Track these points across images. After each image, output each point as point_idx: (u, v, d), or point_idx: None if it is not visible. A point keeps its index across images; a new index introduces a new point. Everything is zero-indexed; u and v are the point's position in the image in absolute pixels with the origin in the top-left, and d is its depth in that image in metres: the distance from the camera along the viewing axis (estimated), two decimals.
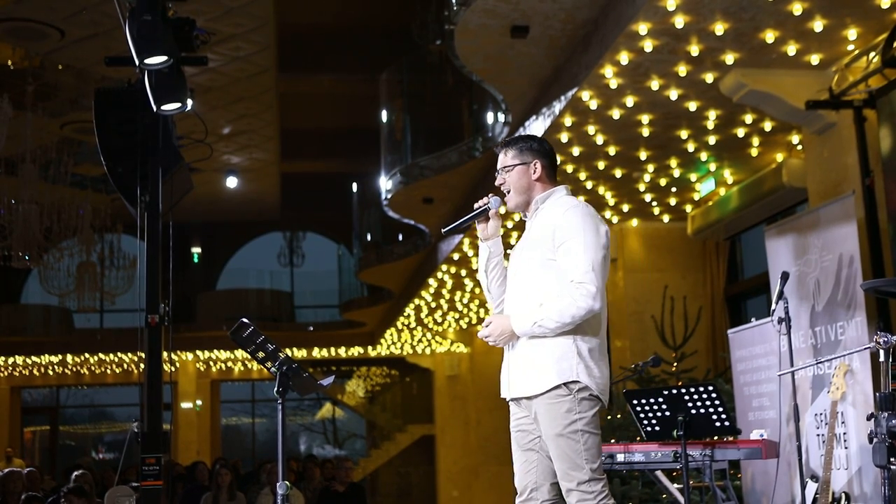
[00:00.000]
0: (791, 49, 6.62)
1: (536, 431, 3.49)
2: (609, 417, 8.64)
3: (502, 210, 3.71)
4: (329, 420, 25.52)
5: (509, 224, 10.36)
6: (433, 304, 15.89)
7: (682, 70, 6.93)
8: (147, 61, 4.82)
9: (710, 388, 4.84)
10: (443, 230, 3.76)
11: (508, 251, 3.70)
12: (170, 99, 5.11)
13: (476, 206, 3.64)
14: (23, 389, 22.73)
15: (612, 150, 8.59)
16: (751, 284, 10.71)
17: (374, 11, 15.26)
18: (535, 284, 3.44)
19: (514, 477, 3.58)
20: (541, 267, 3.45)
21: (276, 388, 3.79)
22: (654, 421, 5.02)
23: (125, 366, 21.57)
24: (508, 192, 3.61)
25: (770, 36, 6.41)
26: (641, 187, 9.69)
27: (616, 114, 7.72)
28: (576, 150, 8.57)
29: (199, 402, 21.84)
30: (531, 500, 3.51)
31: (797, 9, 6.03)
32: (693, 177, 9.50)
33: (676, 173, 9.31)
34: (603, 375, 3.44)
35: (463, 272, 13.63)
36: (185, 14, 5.29)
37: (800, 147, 8.39)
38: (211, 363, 22.08)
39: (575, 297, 3.32)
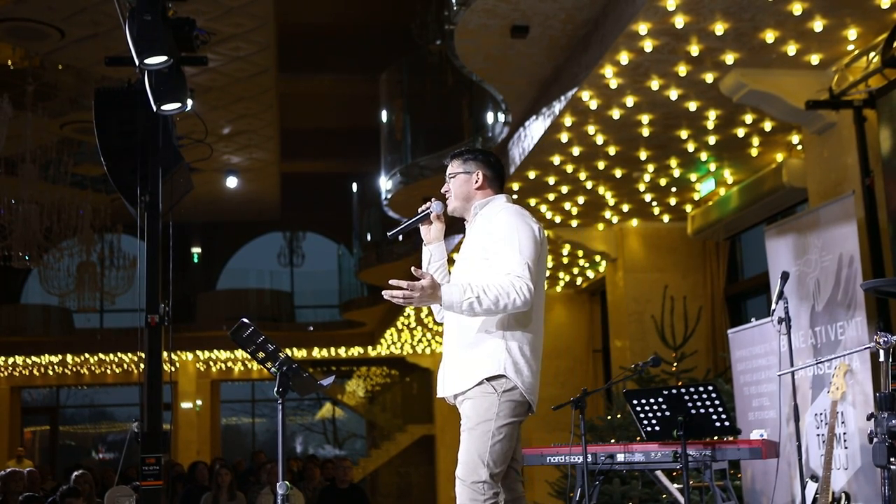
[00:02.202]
0: (791, 49, 6.62)
1: None
2: (609, 417, 8.64)
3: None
4: (329, 420, 25.53)
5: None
6: None
7: (682, 70, 6.93)
8: (147, 61, 4.82)
9: (710, 388, 4.84)
10: (388, 234, 3.84)
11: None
12: (170, 99, 5.11)
13: (420, 210, 3.78)
14: (23, 389, 22.73)
15: (612, 150, 8.58)
16: (751, 284, 10.71)
17: (374, 11, 15.27)
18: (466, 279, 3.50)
19: None
20: (477, 268, 3.52)
21: (276, 388, 3.79)
22: (654, 421, 5.02)
23: (125, 366, 21.58)
24: (449, 198, 3.76)
25: (770, 36, 6.41)
26: (641, 187, 9.69)
27: (616, 114, 7.72)
28: (576, 150, 8.57)
29: (199, 402, 21.84)
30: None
31: (797, 9, 6.03)
32: (693, 177, 9.50)
33: (676, 173, 9.31)
34: (532, 374, 3.47)
35: None
36: (185, 14, 5.30)
37: (800, 147, 8.39)
38: (211, 363, 22.08)
39: (516, 288, 3.35)
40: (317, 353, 21.60)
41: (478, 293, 3.33)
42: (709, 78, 7.08)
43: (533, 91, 8.49)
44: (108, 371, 21.85)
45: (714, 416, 4.86)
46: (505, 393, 3.41)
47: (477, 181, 3.72)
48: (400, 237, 3.84)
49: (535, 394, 3.50)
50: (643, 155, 8.76)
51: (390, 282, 3.39)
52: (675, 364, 8.84)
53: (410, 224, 3.76)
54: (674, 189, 9.86)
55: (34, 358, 20.56)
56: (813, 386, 5.82)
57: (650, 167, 9.10)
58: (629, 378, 6.17)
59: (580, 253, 11.89)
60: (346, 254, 21.59)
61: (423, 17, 12.93)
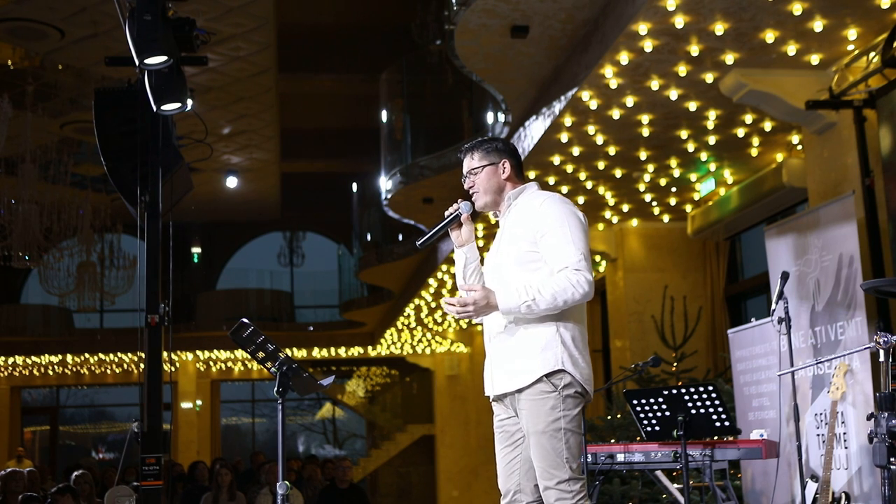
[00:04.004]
0: (791, 49, 6.63)
1: (520, 431, 3.46)
2: (609, 417, 8.64)
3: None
4: (329, 420, 25.53)
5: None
6: (433, 304, 15.90)
7: (682, 70, 6.93)
8: (147, 61, 4.82)
9: (710, 388, 4.84)
10: (418, 244, 3.67)
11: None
12: (170, 99, 5.11)
13: (447, 213, 3.62)
14: (23, 389, 22.73)
15: (612, 150, 8.59)
16: (751, 284, 10.72)
17: (374, 11, 15.28)
18: (516, 280, 3.39)
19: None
20: (519, 263, 3.42)
21: (276, 388, 3.79)
22: (654, 421, 5.02)
23: (125, 366, 21.58)
24: (476, 194, 3.60)
25: (770, 36, 6.41)
26: (641, 187, 9.69)
27: (616, 114, 7.72)
28: (576, 150, 8.57)
29: (199, 402, 21.84)
30: (515, 502, 3.49)
31: (797, 9, 6.03)
32: (693, 177, 9.51)
33: (676, 173, 9.31)
34: (587, 365, 3.42)
35: None
36: (185, 14, 5.28)
37: (800, 147, 8.39)
38: (211, 363, 22.08)
39: (573, 282, 3.27)
40: (317, 353, 21.60)
41: (533, 295, 3.25)
42: (709, 78, 7.08)
43: (533, 91, 8.49)
44: (108, 371, 21.84)
45: (714, 416, 4.86)
46: (564, 388, 3.34)
47: (505, 171, 3.58)
48: (424, 242, 3.66)
49: (592, 383, 3.44)
50: (643, 155, 8.76)
51: (442, 301, 3.33)
52: (675, 364, 8.84)
53: (440, 230, 3.59)
54: (674, 189, 9.86)
55: (34, 358, 20.55)
56: (813, 386, 5.82)
57: (650, 167, 9.10)
58: (629, 378, 6.17)
59: None
60: (346, 254, 21.59)
61: (423, 17, 12.94)
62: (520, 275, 3.38)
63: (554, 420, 3.31)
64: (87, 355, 20.65)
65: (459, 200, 3.62)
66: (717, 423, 4.87)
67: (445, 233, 3.63)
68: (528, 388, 3.35)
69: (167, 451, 5.83)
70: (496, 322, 3.48)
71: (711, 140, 8.42)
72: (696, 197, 10.10)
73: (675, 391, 4.91)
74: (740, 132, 8.23)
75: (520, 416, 3.42)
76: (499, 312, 3.38)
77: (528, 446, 3.42)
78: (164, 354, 5.36)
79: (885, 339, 3.13)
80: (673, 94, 7.34)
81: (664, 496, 7.13)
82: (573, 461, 3.32)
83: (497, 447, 3.55)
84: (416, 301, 15.71)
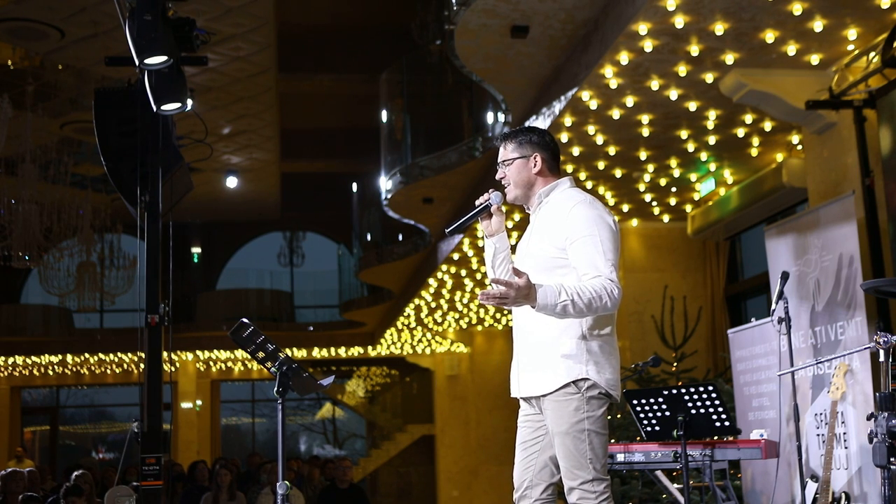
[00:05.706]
0: (791, 49, 6.63)
1: (543, 429, 3.48)
2: (609, 417, 8.64)
3: (503, 207, 3.68)
4: (329, 420, 25.53)
5: (509, 224, 10.37)
6: (433, 304, 15.89)
7: (682, 70, 6.93)
8: (147, 61, 4.82)
9: (710, 388, 4.85)
10: (446, 230, 3.66)
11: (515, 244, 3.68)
12: (170, 99, 5.11)
13: (477, 203, 3.59)
14: (23, 389, 22.73)
15: (612, 150, 8.59)
16: (751, 284, 10.72)
17: (374, 11, 15.29)
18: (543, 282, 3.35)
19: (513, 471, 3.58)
20: (546, 267, 3.40)
21: (276, 388, 3.79)
22: (654, 421, 5.02)
23: (125, 366, 21.58)
24: (508, 186, 3.58)
25: (770, 36, 6.41)
26: (641, 187, 9.69)
27: (616, 114, 7.72)
28: (576, 150, 8.57)
29: (199, 402, 21.84)
30: (525, 497, 3.52)
31: (797, 9, 6.03)
32: (693, 177, 9.51)
33: (676, 173, 9.31)
34: (613, 371, 3.41)
35: (463, 272, 13.64)
36: (185, 14, 5.28)
37: (800, 147, 8.40)
38: (211, 363, 22.08)
39: (608, 291, 3.22)
40: (317, 353, 21.60)
41: (572, 296, 3.17)
42: (709, 78, 7.08)
43: (533, 91, 8.49)
44: (108, 371, 21.85)
45: (714, 416, 4.86)
46: (588, 390, 3.34)
47: (536, 165, 3.53)
48: (453, 230, 3.66)
49: (618, 388, 3.44)
50: (643, 155, 8.76)
51: (493, 279, 3.23)
52: (675, 364, 8.84)
53: (469, 219, 3.56)
54: (674, 189, 9.86)
55: (34, 358, 20.55)
56: (813, 386, 5.82)
57: (650, 167, 9.10)
58: (629, 378, 6.17)
59: None
60: (346, 254, 21.59)
61: (423, 17, 12.94)
62: (546, 279, 3.33)
63: (578, 421, 3.33)
64: (87, 355, 20.65)
65: (490, 190, 3.60)
66: (717, 423, 4.87)
67: (473, 222, 3.60)
68: (553, 392, 3.37)
69: (167, 451, 5.83)
70: (525, 323, 3.47)
71: (711, 140, 8.42)
72: (696, 197, 10.10)
73: (675, 391, 4.92)
74: (740, 132, 8.23)
75: (545, 416, 3.44)
76: (530, 313, 3.33)
77: (549, 446, 3.45)
78: (164, 354, 5.36)
79: (885, 339, 3.14)
80: (673, 94, 7.34)
81: (664, 496, 7.13)
82: (597, 461, 3.34)
83: (518, 440, 3.57)
84: (416, 301, 15.71)
